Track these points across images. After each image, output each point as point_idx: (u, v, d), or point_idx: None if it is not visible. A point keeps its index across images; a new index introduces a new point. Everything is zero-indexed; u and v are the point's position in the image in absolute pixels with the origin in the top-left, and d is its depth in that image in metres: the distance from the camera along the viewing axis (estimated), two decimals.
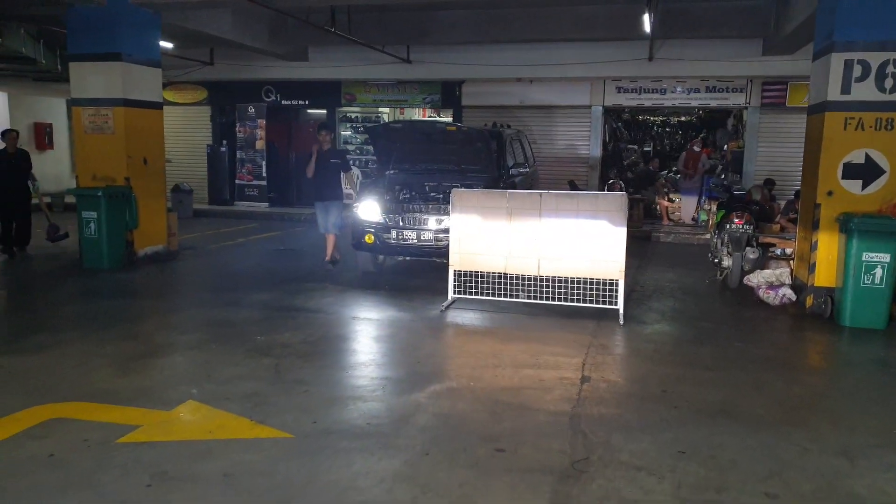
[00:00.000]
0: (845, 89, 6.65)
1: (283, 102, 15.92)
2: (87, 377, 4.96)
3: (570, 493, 3.36)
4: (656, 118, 18.29)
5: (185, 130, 16.45)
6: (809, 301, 7.07)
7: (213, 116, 16.53)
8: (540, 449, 3.85)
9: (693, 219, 13.48)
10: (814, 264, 7.01)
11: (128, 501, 3.27)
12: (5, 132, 10.29)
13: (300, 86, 15.41)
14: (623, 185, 13.18)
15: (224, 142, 16.25)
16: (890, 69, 6.50)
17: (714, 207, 10.83)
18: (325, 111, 16.09)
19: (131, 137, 9.29)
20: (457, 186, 7.58)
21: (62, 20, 9.49)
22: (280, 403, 4.50)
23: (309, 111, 16.47)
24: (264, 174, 15.96)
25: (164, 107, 10.29)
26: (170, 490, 3.36)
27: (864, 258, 6.35)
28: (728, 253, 8.26)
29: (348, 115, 16.25)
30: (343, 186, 9.27)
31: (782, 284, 7.58)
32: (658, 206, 13.87)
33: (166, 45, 11.77)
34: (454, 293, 7.20)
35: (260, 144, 16.08)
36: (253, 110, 15.98)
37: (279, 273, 8.95)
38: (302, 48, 14.00)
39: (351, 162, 15.61)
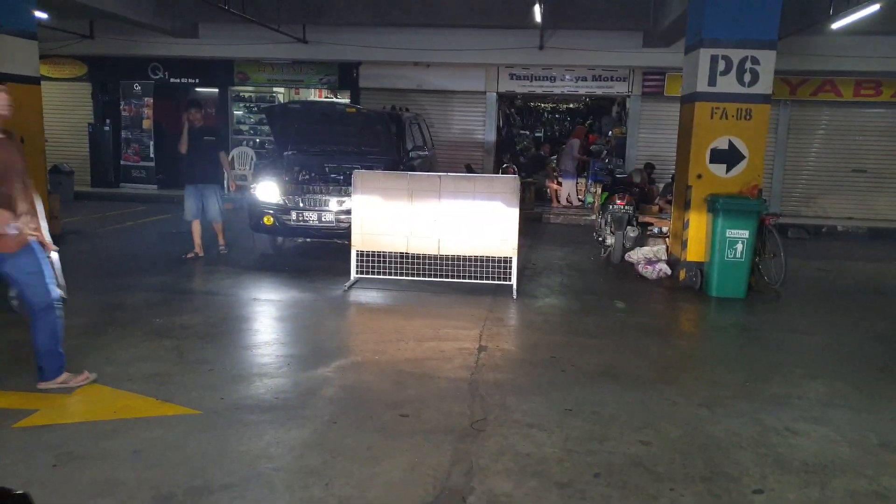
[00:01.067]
0: (712, 81, 7.35)
1: (172, 80, 15.27)
2: None
3: (469, 449, 3.66)
4: (547, 105, 19.03)
5: (64, 108, 15.46)
6: (682, 275, 7.78)
7: (94, 93, 15.60)
8: (441, 412, 4.13)
9: (572, 201, 14.24)
10: (686, 241, 7.71)
11: (33, 481, 3.24)
12: None
13: (190, 63, 14.84)
14: (516, 170, 13.72)
15: (108, 120, 15.42)
16: (748, 65, 7.26)
17: (599, 190, 11.54)
18: (216, 90, 15.58)
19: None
20: (357, 168, 7.71)
21: None
22: (185, 382, 4.53)
23: (199, 90, 15.90)
24: (152, 155, 15.31)
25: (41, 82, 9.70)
26: (77, 468, 3.37)
27: (727, 235, 7.08)
28: (611, 232, 8.89)
29: (241, 94, 15.84)
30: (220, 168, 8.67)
31: (659, 260, 8.27)
32: (549, 190, 14.54)
33: (41, 15, 11.05)
34: (356, 273, 7.36)
35: (147, 124, 15.39)
36: (139, 88, 15.27)
37: (173, 256, 8.68)
38: (192, 24, 13.51)
39: (245, 143, 15.48)
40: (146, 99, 15.25)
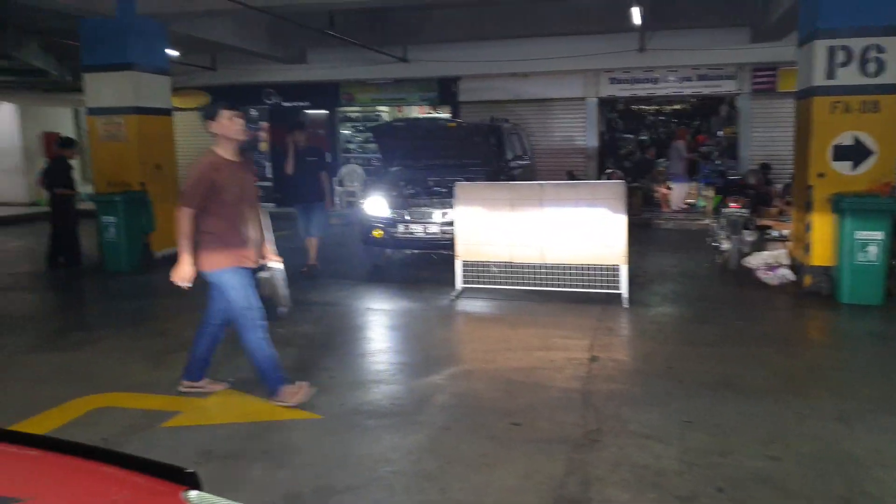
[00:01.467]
0: (830, 74, 6.91)
1: (285, 104, 16.17)
2: (126, 370, 5.26)
3: (584, 459, 3.64)
4: (650, 108, 18.53)
5: (190, 135, 16.67)
6: (807, 280, 7.34)
7: None
8: (554, 422, 4.13)
9: (687, 205, 13.75)
10: (809, 244, 7.28)
11: None
12: None
13: (300, 87, 15.66)
14: (621, 174, 13.45)
15: None
16: (872, 54, 6.77)
17: (711, 193, 11.11)
18: (325, 111, 16.34)
19: (144, 144, 9.58)
20: (459, 180, 7.85)
21: (74, 33, 9.73)
22: None
23: (310, 112, 16.71)
24: (269, 175, 16.21)
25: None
26: (216, 467, 3.64)
27: (857, 236, 6.61)
28: (726, 236, 8.54)
29: (348, 114, 16.51)
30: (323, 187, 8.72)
31: (780, 265, 7.85)
32: (657, 194, 14.14)
33: (172, 52, 12.03)
34: (462, 283, 7.47)
35: (264, 146, 16.34)
36: (255, 113, 16.24)
37: (291, 269, 9.10)
38: (300, 51, 14.27)
39: (353, 161, 16.07)
40: (262, 123, 16.19)
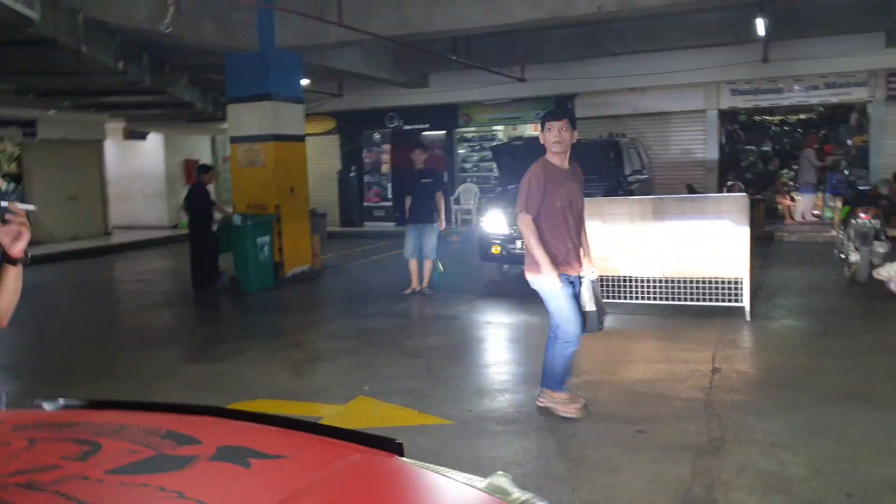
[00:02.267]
0: None
1: (406, 127, 16.92)
2: (269, 379, 5.76)
3: (709, 465, 3.78)
4: (774, 118, 17.85)
5: (317, 159, 17.77)
6: None
7: (341, 144, 17.80)
8: (677, 430, 4.27)
9: (809, 216, 13.19)
10: None
11: None
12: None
13: (420, 110, 16.35)
14: (742, 187, 13.11)
15: (352, 167, 17.46)
16: None
17: (839, 204, 10.66)
18: (443, 132, 16.97)
19: (280, 168, 10.29)
20: None
21: (216, 67, 10.69)
22: (437, 396, 5.12)
23: (429, 133, 17.40)
24: (390, 195, 17.00)
25: None
26: None
27: None
28: (855, 248, 8.23)
29: (465, 135, 17.05)
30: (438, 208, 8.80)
31: None
32: (780, 206, 13.66)
33: (304, 81, 13.02)
34: None
35: (385, 168, 17.19)
36: (378, 136, 17.12)
37: (396, 289, 9.14)
38: (423, 75, 14.97)
39: (469, 180, 16.57)
40: (384, 146, 17.04)
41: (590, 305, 4.51)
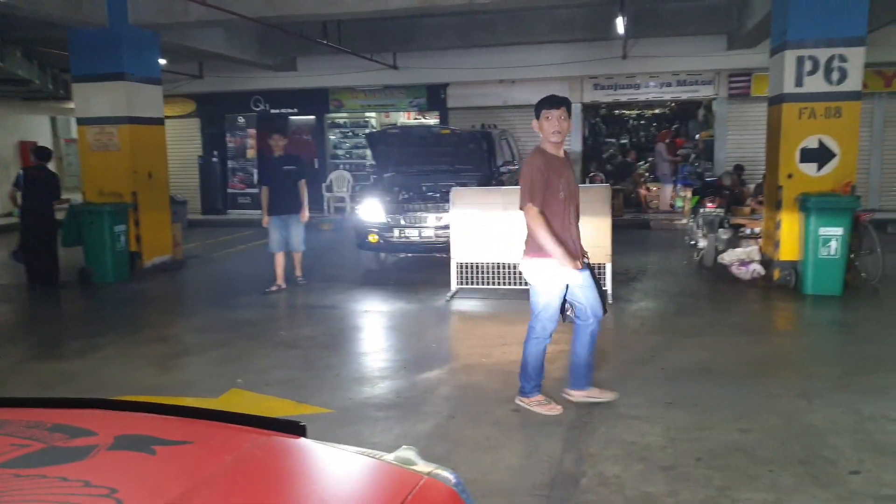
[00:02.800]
0: (799, 82, 7.42)
1: (273, 111, 16.41)
2: (132, 375, 5.44)
3: (579, 438, 4.03)
4: (631, 112, 19.08)
5: (176, 143, 16.80)
6: (776, 274, 7.83)
7: (202, 128, 16.96)
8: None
9: (670, 205, 14.25)
10: (779, 241, 7.77)
11: None
12: None
13: (289, 94, 15.89)
14: (604, 177, 13.95)
15: (215, 152, 16.71)
16: (836, 63, 7.29)
17: (689, 194, 11.59)
18: (313, 118, 16.62)
19: (137, 153, 9.66)
20: (452, 185, 8.21)
21: (57, 41, 9.76)
22: (316, 386, 5.07)
23: (298, 118, 16.99)
24: (256, 182, 16.44)
25: None
26: None
27: (820, 233, 7.13)
28: (703, 235, 9.01)
29: (336, 121, 16.79)
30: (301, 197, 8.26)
31: (752, 261, 8.33)
32: (637, 195, 14.64)
33: (161, 61, 12.25)
34: (457, 284, 7.83)
35: (251, 153, 16.57)
36: (243, 120, 16.47)
37: (286, 275, 9.17)
38: (291, 58, 14.54)
39: (342, 167, 16.37)
40: (249, 130, 16.43)
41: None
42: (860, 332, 6.15)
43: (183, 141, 16.98)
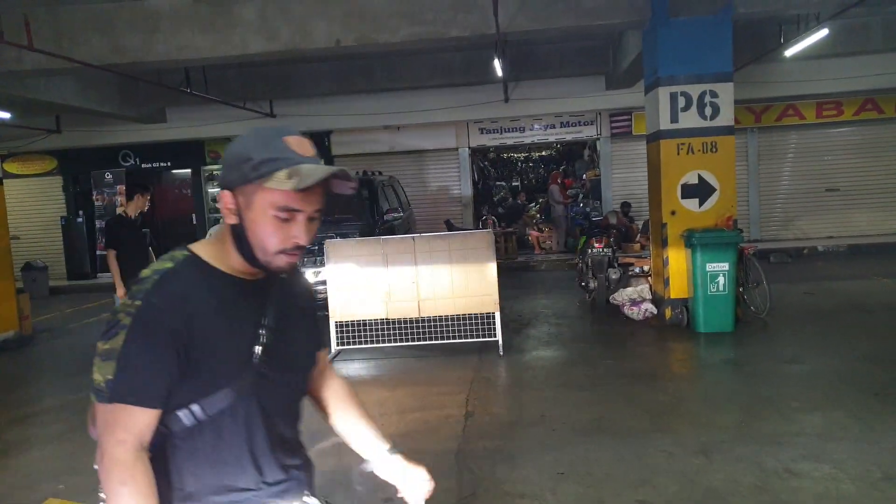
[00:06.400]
0: (674, 118, 7.38)
1: (144, 166, 15.28)
2: None
3: None
4: (520, 154, 19.22)
5: (35, 203, 15.40)
6: (668, 313, 7.65)
7: (65, 186, 15.54)
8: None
9: (564, 245, 14.17)
10: (668, 279, 7.60)
11: None
12: None
13: (160, 147, 14.84)
14: (496, 220, 13.71)
15: (80, 212, 15.33)
16: (707, 98, 7.31)
17: (578, 234, 11.51)
18: (188, 171, 15.62)
19: None
20: (331, 237, 7.62)
21: None
22: None
23: (173, 172, 15.93)
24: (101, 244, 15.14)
25: (8, 179, 9.65)
26: None
27: (707, 269, 6.99)
28: (593, 275, 8.79)
29: (214, 172, 15.85)
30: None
31: (644, 300, 8.15)
32: (529, 237, 14.50)
33: (3, 114, 11.07)
34: (337, 345, 7.17)
35: (120, 211, 15.28)
36: (110, 176, 15.24)
37: None
38: (159, 109, 13.58)
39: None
40: (119, 186, 15.20)
41: None
42: (753, 371, 5.93)
43: (44, 200, 15.53)
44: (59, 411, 6.11)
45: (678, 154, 7.42)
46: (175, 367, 1.35)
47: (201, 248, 1.48)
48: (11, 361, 8.36)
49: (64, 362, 8.34)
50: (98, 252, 15.14)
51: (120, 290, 6.55)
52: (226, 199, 1.40)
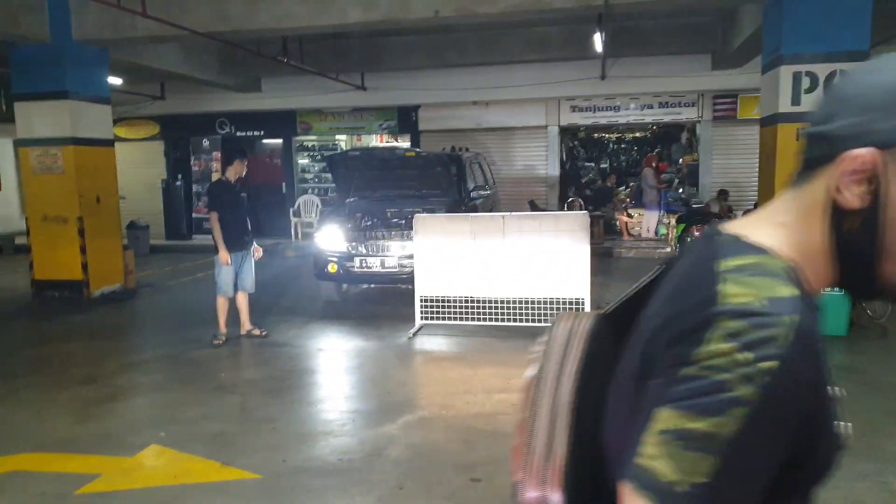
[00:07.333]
0: (796, 101, 6.82)
1: (239, 134, 15.72)
2: (45, 426, 4.77)
3: None
4: (611, 135, 18.59)
5: (139, 166, 16.11)
6: None
7: (166, 151, 16.22)
8: None
9: (651, 233, 13.62)
10: None
11: None
12: None
13: (254, 116, 15.23)
14: (582, 203, 13.32)
15: (179, 176, 15.96)
16: (837, 79, 6.68)
17: (673, 221, 11.00)
18: (280, 141, 15.95)
19: (82, 176, 9.06)
20: (419, 212, 7.55)
21: (5, 59, 9.21)
22: (248, 443, 4.39)
23: (265, 141, 16.31)
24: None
25: (117, 143, 10.09)
26: None
27: None
28: None
29: (305, 143, 16.13)
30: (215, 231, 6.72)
31: None
32: (618, 222, 14.02)
33: (115, 80, 11.54)
34: (421, 319, 7.12)
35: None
36: (207, 143, 15.74)
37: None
38: (254, 79, 13.87)
39: (311, 191, 15.68)
40: (214, 153, 15.69)
41: None
42: (874, 381, 5.42)
43: (147, 164, 16.25)
44: (160, 362, 6.37)
45: (798, 140, 6.85)
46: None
47: (785, 246, 0.84)
48: (117, 312, 8.79)
49: (164, 316, 8.71)
50: (194, 215, 15.74)
51: (222, 253, 6.70)
52: (864, 162, 0.77)
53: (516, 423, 1.00)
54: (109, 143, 9.65)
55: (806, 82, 6.77)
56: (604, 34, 9.27)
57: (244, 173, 7.03)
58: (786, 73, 6.83)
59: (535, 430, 0.94)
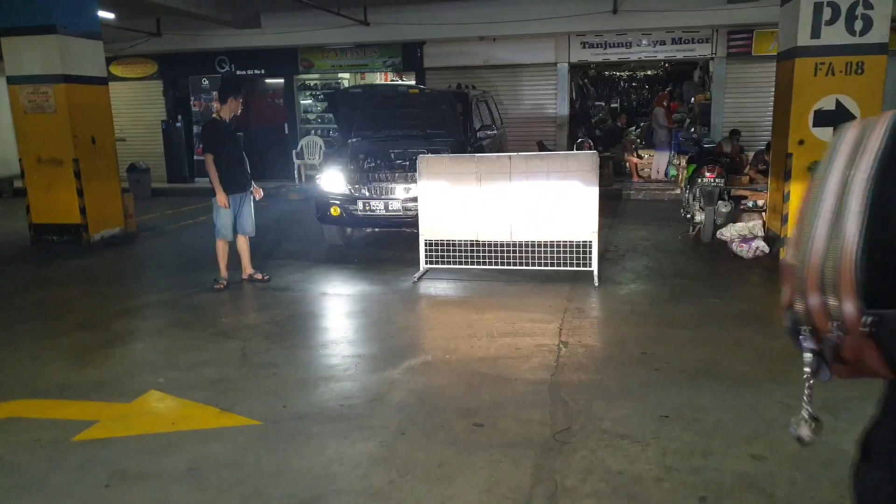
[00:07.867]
0: (815, 33, 6.50)
1: (239, 73, 15.32)
2: (41, 371, 4.72)
3: (552, 466, 3.24)
4: (622, 73, 18.05)
5: (138, 106, 15.80)
6: (783, 253, 7.01)
7: (165, 90, 15.86)
8: (520, 421, 3.72)
9: (665, 174, 13.34)
10: (786, 215, 6.94)
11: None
12: None
13: (255, 54, 14.80)
14: (592, 144, 13.00)
15: (179, 116, 15.65)
16: (859, 10, 6.35)
17: (683, 162, 10.73)
18: (282, 80, 15.55)
19: (76, 116, 8.86)
20: (423, 152, 7.33)
21: None
22: (247, 388, 4.33)
23: (266, 81, 15.90)
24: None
25: (113, 82, 9.84)
26: (130, 489, 3.17)
27: None
28: (700, 208, 8.16)
29: (307, 82, 15.72)
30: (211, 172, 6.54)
31: (755, 237, 7.52)
32: (628, 164, 13.72)
33: (107, 15, 11.15)
34: (426, 263, 7.00)
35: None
36: (207, 82, 15.38)
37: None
38: (253, 14, 13.42)
39: (313, 132, 15.36)
40: (214, 93, 15.33)
41: None
42: None
43: (146, 104, 15.94)
44: (160, 306, 6.31)
45: (815, 75, 6.57)
46: None
47: None
48: (117, 256, 8.70)
49: (165, 260, 8.63)
50: (195, 157, 15.48)
51: (220, 195, 6.54)
52: None
53: (789, 239, 0.94)
54: (103, 80, 9.39)
55: (827, 13, 6.42)
56: None
57: (240, 111, 6.82)
58: (806, 3, 6.47)
59: (815, 230, 0.96)
